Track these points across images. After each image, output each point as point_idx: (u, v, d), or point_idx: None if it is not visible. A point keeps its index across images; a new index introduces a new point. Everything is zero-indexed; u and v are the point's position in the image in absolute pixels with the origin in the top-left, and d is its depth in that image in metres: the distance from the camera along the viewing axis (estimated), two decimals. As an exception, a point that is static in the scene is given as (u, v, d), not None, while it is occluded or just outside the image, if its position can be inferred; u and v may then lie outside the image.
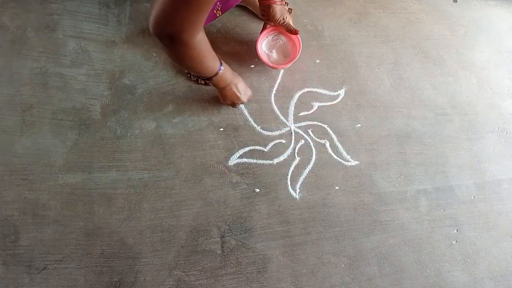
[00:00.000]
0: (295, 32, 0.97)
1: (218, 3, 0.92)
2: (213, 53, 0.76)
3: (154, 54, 1.05)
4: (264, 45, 1.04)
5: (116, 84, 1.01)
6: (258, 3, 1.06)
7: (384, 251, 0.91)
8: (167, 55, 0.83)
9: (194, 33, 0.62)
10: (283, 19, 0.98)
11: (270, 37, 1.05)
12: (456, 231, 0.95)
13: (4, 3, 1.07)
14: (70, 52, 1.03)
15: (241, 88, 0.93)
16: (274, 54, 1.03)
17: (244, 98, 0.94)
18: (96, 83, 1.01)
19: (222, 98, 0.94)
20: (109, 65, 1.03)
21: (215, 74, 0.80)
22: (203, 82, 1.02)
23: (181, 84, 1.03)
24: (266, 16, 1.00)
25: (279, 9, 0.98)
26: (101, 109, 0.98)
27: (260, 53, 1.00)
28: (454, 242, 0.94)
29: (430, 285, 0.89)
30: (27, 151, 0.92)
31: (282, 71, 1.06)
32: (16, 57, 1.01)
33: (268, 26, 1.02)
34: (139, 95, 1.01)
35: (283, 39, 1.04)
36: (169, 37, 0.61)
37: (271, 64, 1.00)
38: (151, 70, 1.03)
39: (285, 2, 1.02)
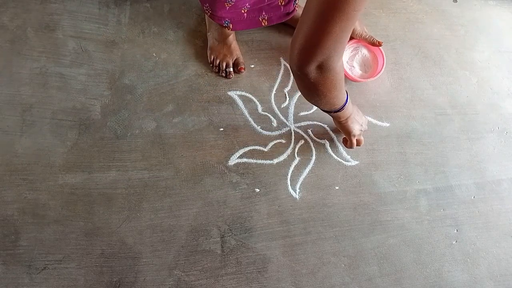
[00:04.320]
0: (379, 44, 0.98)
1: (264, 13, 0.93)
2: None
3: (154, 54, 1.05)
4: (345, 58, 1.02)
5: (116, 84, 1.01)
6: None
7: (384, 251, 0.91)
8: (307, 92, 0.70)
9: (341, 54, 0.58)
10: (365, 31, 1.00)
11: (348, 50, 1.04)
12: (456, 231, 0.95)
13: (4, 3, 1.07)
14: (70, 52, 1.03)
15: (361, 117, 0.89)
16: (356, 67, 1.04)
17: (365, 126, 0.92)
18: (96, 83, 1.01)
19: (347, 132, 0.88)
20: (109, 65, 1.03)
21: (345, 104, 0.76)
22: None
23: (181, 84, 1.03)
24: None
25: (358, 23, 0.98)
26: (101, 109, 0.98)
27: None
28: (454, 242, 0.94)
29: (430, 285, 0.89)
30: (27, 151, 0.92)
31: (282, 71, 1.06)
32: (16, 57, 1.01)
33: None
34: (139, 95, 1.01)
35: (363, 51, 1.04)
36: (320, 66, 0.56)
37: (355, 78, 1.00)
38: (151, 70, 1.03)
39: None
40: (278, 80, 1.05)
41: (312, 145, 0.99)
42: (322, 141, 1.00)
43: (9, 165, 0.91)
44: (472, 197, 0.98)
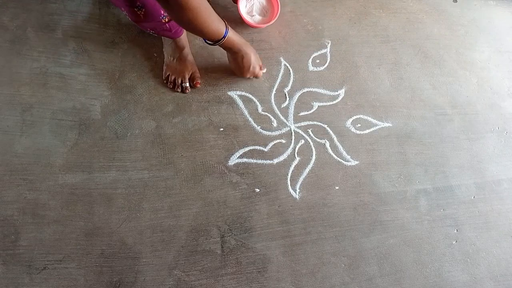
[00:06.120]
0: None
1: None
2: (217, 16, 0.77)
3: (154, 54, 1.05)
4: (243, 8, 1.08)
5: (116, 84, 1.01)
6: None
7: (384, 251, 0.91)
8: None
9: None
10: None
11: (243, 2, 1.08)
12: (456, 231, 0.95)
13: (4, 3, 1.07)
14: (70, 52, 1.03)
15: (254, 58, 0.95)
16: (257, 15, 1.09)
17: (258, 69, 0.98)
18: (96, 83, 1.01)
19: (239, 68, 0.96)
20: (109, 65, 1.03)
21: (222, 38, 0.82)
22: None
23: (181, 84, 1.03)
24: None
25: None
26: (101, 109, 0.98)
27: (244, 17, 1.05)
28: (454, 242, 0.94)
29: (430, 285, 0.89)
30: (27, 151, 0.92)
31: (282, 71, 1.06)
32: (16, 57, 1.01)
33: None
34: (139, 95, 1.01)
35: (260, 0, 1.10)
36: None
37: (256, 25, 1.06)
38: (151, 70, 1.03)
39: None
40: (278, 80, 1.05)
41: (312, 145, 0.99)
42: (322, 141, 1.00)
43: (9, 165, 0.91)
44: (472, 197, 0.98)
